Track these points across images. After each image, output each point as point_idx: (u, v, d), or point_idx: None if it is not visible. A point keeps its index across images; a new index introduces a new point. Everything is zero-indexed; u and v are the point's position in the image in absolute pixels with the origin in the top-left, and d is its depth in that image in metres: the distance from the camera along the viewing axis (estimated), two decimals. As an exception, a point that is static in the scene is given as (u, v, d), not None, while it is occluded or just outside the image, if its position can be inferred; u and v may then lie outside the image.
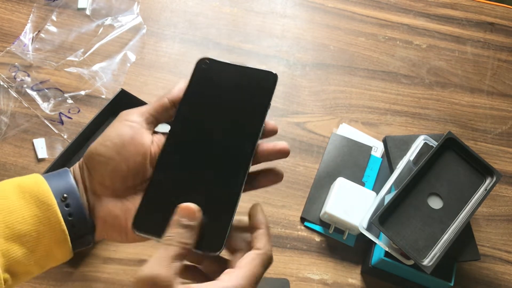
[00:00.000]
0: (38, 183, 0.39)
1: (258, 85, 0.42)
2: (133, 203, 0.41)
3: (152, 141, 0.42)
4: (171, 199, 0.39)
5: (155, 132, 0.43)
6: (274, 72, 0.42)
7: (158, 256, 0.36)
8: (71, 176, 0.41)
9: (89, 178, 0.41)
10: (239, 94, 0.42)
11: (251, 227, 0.40)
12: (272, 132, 0.43)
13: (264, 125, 0.41)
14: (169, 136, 0.41)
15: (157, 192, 0.40)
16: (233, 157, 0.41)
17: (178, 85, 0.43)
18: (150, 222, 0.39)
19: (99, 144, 0.40)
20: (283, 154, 0.42)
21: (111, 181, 0.40)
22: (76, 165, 0.42)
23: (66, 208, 0.39)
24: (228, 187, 0.40)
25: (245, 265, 0.37)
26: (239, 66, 0.44)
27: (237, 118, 0.42)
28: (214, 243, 0.38)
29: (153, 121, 0.43)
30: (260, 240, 0.38)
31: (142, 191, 0.41)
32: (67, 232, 0.39)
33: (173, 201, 0.39)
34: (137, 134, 0.41)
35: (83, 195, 0.41)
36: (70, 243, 0.40)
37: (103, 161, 0.40)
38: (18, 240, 0.38)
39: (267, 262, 0.38)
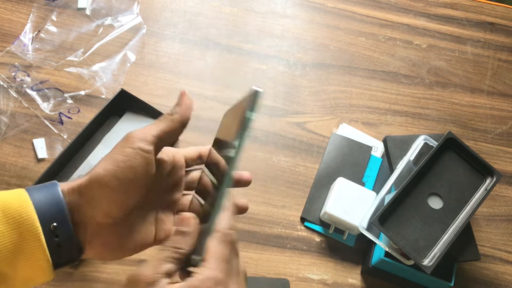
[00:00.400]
0: (23, 206, 0.36)
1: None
2: (127, 226, 0.40)
3: (157, 166, 0.40)
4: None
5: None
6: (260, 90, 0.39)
7: (150, 259, 0.36)
8: (62, 198, 0.38)
9: (93, 206, 0.38)
10: None
11: None
12: (246, 183, 0.43)
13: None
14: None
15: None
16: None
17: (185, 102, 0.41)
18: None
19: (110, 174, 0.37)
20: (244, 183, 0.43)
21: (117, 212, 0.39)
22: (74, 185, 0.39)
23: (55, 239, 0.37)
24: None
25: (208, 253, 0.37)
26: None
27: None
28: (199, 252, 0.39)
29: (161, 146, 0.40)
30: (218, 222, 0.38)
31: (140, 216, 0.41)
32: (51, 262, 0.37)
33: None
34: (149, 166, 0.39)
35: (79, 222, 0.38)
36: (52, 269, 0.38)
37: (113, 195, 0.38)
38: None
39: (227, 239, 0.37)
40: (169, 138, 0.40)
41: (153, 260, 0.36)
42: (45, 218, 0.37)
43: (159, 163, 0.41)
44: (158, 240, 0.42)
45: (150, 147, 0.38)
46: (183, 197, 0.45)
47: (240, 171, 0.43)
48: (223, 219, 0.38)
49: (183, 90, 0.41)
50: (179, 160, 0.44)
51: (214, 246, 0.37)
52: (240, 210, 0.43)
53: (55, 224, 0.37)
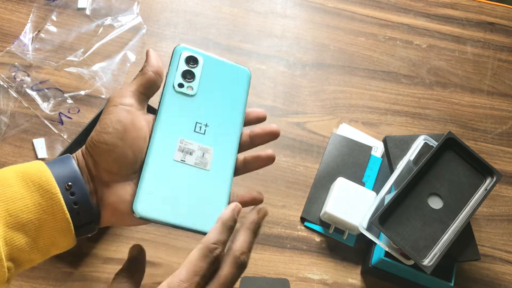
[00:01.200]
0: (41, 170, 0.39)
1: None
2: (135, 188, 0.41)
3: (148, 122, 0.43)
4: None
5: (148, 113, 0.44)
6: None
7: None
8: (74, 163, 0.41)
9: (95, 166, 0.41)
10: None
11: None
12: (260, 119, 0.47)
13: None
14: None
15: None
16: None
17: (151, 55, 0.44)
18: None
19: (101, 132, 0.40)
20: (272, 135, 0.46)
21: (118, 168, 0.41)
22: (79, 153, 0.42)
23: (71, 197, 0.39)
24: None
25: (185, 261, 0.38)
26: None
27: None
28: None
29: (144, 99, 0.43)
30: (207, 234, 0.39)
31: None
32: (70, 221, 0.39)
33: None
34: (135, 118, 0.41)
35: (88, 183, 0.41)
36: (73, 231, 0.40)
37: (108, 149, 0.40)
38: (21, 228, 0.38)
39: (205, 254, 0.37)
40: (148, 90, 0.43)
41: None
42: (61, 179, 0.39)
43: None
44: None
45: (131, 101, 0.42)
46: None
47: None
48: (212, 232, 0.39)
49: (147, 50, 0.45)
50: None
51: (192, 257, 0.37)
52: (253, 201, 0.44)
53: (69, 183, 0.39)
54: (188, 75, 0.46)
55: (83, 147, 0.42)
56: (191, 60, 0.47)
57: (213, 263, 0.37)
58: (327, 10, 0.91)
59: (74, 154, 0.42)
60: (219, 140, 0.44)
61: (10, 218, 0.37)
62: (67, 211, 0.39)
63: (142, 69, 0.44)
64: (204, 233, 0.40)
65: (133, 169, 0.41)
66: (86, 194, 0.40)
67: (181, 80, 0.45)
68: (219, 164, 0.43)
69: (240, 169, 0.46)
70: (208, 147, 0.44)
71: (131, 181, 0.42)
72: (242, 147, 0.46)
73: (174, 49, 0.47)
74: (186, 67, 0.46)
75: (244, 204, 0.44)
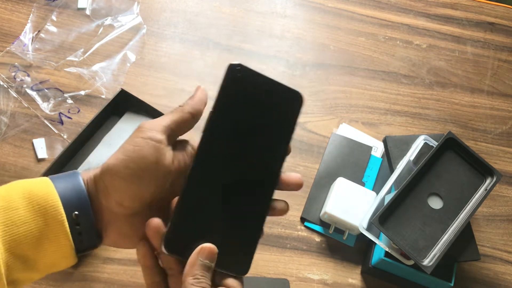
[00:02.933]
0: (48, 193, 0.38)
1: (287, 104, 0.43)
2: (144, 217, 0.40)
3: (173, 159, 0.40)
4: (201, 220, 0.39)
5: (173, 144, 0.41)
6: (300, 93, 0.43)
7: None
8: (84, 187, 0.39)
9: (106, 196, 0.39)
10: (269, 114, 0.41)
11: None
12: (297, 186, 0.42)
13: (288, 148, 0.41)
14: (198, 153, 0.39)
15: (187, 212, 0.39)
16: (261, 179, 0.40)
17: (198, 95, 0.41)
18: (181, 243, 0.38)
19: (121, 164, 0.38)
20: (297, 186, 0.42)
21: (131, 203, 0.39)
22: (91, 175, 0.40)
23: (76, 227, 0.38)
24: (255, 210, 0.40)
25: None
26: (269, 79, 0.42)
27: (266, 138, 0.41)
28: (240, 265, 0.40)
29: (173, 137, 0.41)
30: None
31: (160, 208, 0.40)
32: (74, 247, 0.38)
33: (203, 222, 0.39)
34: (161, 156, 0.39)
35: (96, 211, 0.39)
36: (75, 255, 0.39)
37: (124, 185, 0.38)
38: (24, 254, 0.37)
39: None
40: (181, 129, 0.41)
41: None
42: (68, 206, 0.38)
43: (179, 156, 0.41)
44: None
45: (161, 137, 0.39)
46: None
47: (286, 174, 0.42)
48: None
49: (199, 85, 0.42)
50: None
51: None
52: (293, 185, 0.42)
53: (76, 212, 0.38)
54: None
55: (98, 170, 0.39)
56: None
57: None
58: (327, 10, 0.91)
59: (84, 175, 0.40)
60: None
61: (13, 243, 0.36)
62: (71, 239, 0.38)
63: (182, 105, 0.41)
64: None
65: (144, 204, 0.40)
66: (92, 225, 0.39)
67: None
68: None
69: None
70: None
71: (141, 213, 0.40)
72: None
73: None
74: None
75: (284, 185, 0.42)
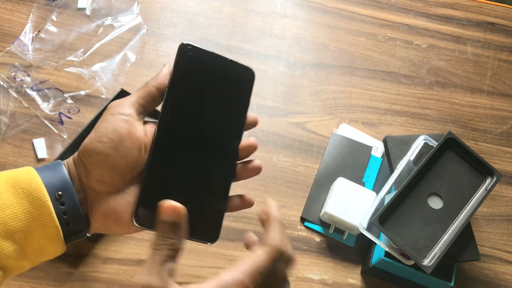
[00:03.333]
0: (31, 177, 0.39)
1: (240, 79, 0.44)
2: (133, 195, 0.41)
3: (145, 132, 0.42)
4: (167, 190, 0.40)
5: (145, 122, 0.43)
6: (252, 69, 0.44)
7: (149, 263, 0.36)
8: (65, 170, 0.40)
9: (87, 174, 0.40)
10: (223, 87, 0.44)
11: (263, 222, 0.41)
12: (253, 124, 0.45)
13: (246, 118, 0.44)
14: (159, 127, 0.42)
15: (153, 184, 0.41)
16: (223, 148, 0.42)
17: (162, 71, 0.43)
18: (150, 215, 0.39)
19: (95, 140, 0.40)
20: (252, 149, 0.44)
21: (110, 178, 0.40)
22: (71, 159, 0.42)
23: (61, 207, 0.39)
24: (220, 177, 0.42)
25: (247, 260, 0.36)
26: (220, 56, 0.44)
27: (223, 110, 0.43)
28: (210, 232, 0.40)
29: (142, 111, 0.43)
30: (269, 234, 0.38)
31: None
32: (60, 228, 0.39)
33: (170, 192, 0.40)
34: (132, 128, 0.41)
35: (79, 191, 0.40)
36: (63, 239, 0.39)
37: (101, 159, 0.39)
38: (10, 237, 0.37)
39: (276, 256, 0.37)
40: (148, 103, 0.43)
41: (153, 265, 0.35)
42: (51, 187, 0.39)
43: (151, 130, 0.42)
44: None
45: (129, 111, 0.41)
46: None
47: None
48: (273, 233, 0.38)
49: (165, 64, 0.43)
50: None
51: (258, 258, 0.37)
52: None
53: (60, 192, 0.39)
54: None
55: (76, 154, 0.41)
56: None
57: (278, 268, 0.38)
58: (327, 10, 0.91)
59: (65, 161, 0.42)
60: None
61: (0, 226, 0.37)
62: (56, 219, 0.38)
63: (148, 81, 0.43)
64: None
65: (124, 179, 0.41)
66: (76, 204, 0.39)
67: None
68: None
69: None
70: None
71: (122, 191, 0.41)
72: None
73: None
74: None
75: (235, 208, 0.44)
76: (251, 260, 0.37)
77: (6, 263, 0.38)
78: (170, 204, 0.37)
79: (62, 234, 0.39)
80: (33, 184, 0.38)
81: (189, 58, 0.42)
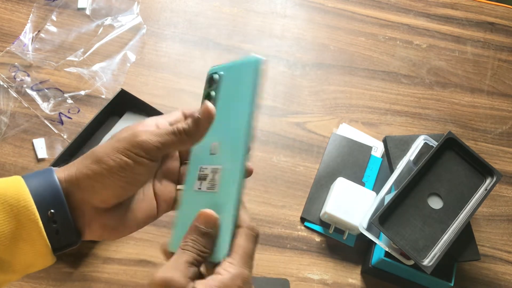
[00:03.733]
0: (19, 192, 0.37)
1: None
2: (126, 207, 0.40)
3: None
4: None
5: None
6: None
7: (174, 260, 0.36)
8: (58, 183, 0.38)
9: (91, 192, 0.38)
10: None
11: None
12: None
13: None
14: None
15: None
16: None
17: (203, 125, 0.39)
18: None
19: (111, 170, 0.37)
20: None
21: (114, 201, 0.39)
22: (72, 171, 0.39)
23: (53, 225, 0.37)
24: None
25: (235, 249, 0.37)
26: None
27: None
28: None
29: (162, 154, 0.41)
30: (243, 219, 0.38)
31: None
32: (49, 246, 0.38)
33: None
34: (151, 169, 0.39)
35: (78, 207, 0.39)
36: (52, 253, 0.38)
37: (115, 189, 0.38)
38: None
39: (252, 234, 0.38)
40: (173, 151, 0.42)
41: (179, 263, 0.35)
42: (43, 204, 0.37)
43: None
44: (161, 211, 0.43)
45: (152, 157, 0.38)
46: (182, 166, 0.45)
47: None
48: (245, 215, 0.38)
49: (208, 107, 0.39)
50: None
51: (242, 242, 0.37)
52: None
53: (52, 211, 0.37)
54: (208, 97, 0.42)
55: (83, 167, 0.38)
56: (211, 82, 0.43)
57: (256, 241, 0.38)
58: (327, 10, 0.91)
59: (61, 172, 0.39)
60: (227, 154, 0.39)
61: None
62: (46, 238, 0.37)
63: (185, 131, 0.39)
64: (215, 262, 0.38)
65: (129, 197, 0.40)
66: (69, 221, 0.38)
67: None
68: (227, 182, 0.39)
69: None
70: (217, 167, 0.39)
71: (122, 205, 0.40)
72: None
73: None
74: (207, 91, 0.43)
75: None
76: (240, 248, 0.37)
77: None
78: (211, 213, 0.37)
79: (51, 250, 0.38)
80: (22, 201, 0.36)
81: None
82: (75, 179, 0.38)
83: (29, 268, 0.39)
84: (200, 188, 0.40)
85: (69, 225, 0.38)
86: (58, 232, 0.38)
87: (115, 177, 0.37)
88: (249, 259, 0.37)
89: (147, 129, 0.38)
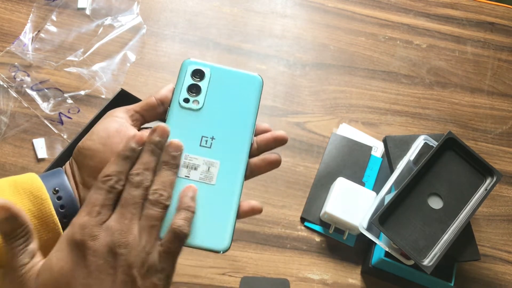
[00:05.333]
0: (32, 179, 0.40)
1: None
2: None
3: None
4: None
5: (141, 129, 0.44)
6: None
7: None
8: (63, 173, 0.42)
9: (79, 172, 0.42)
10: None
11: None
12: (265, 131, 0.45)
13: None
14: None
15: None
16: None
17: (166, 86, 0.45)
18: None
19: (86, 139, 0.42)
20: (281, 141, 0.45)
21: (100, 172, 0.41)
22: (67, 163, 0.44)
23: (57, 201, 0.40)
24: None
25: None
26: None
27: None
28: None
29: (138, 118, 0.44)
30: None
31: None
32: (59, 223, 0.40)
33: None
34: (122, 126, 0.42)
35: (74, 190, 0.42)
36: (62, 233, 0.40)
37: (90, 154, 0.41)
38: None
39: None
40: (148, 113, 0.44)
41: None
42: (49, 185, 0.41)
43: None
44: None
45: (122, 114, 0.43)
46: None
47: None
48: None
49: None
50: None
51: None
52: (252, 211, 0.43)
53: (57, 188, 0.41)
54: (193, 89, 0.45)
55: (71, 156, 0.44)
56: (197, 74, 0.46)
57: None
58: (327, 10, 0.91)
59: (64, 166, 0.44)
60: (227, 152, 0.43)
61: None
62: (55, 214, 0.40)
63: (149, 95, 0.45)
64: (215, 251, 0.40)
65: None
66: (72, 198, 0.41)
67: (186, 95, 0.44)
68: (227, 177, 0.42)
69: (247, 175, 0.46)
70: (214, 161, 0.42)
71: None
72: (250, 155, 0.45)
73: (181, 64, 0.47)
74: (191, 81, 0.46)
75: (244, 214, 0.43)
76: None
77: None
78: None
79: (61, 230, 0.40)
80: (34, 184, 0.40)
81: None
82: (67, 165, 0.43)
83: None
84: (187, 176, 0.42)
85: (72, 201, 0.41)
86: (63, 207, 0.41)
87: (86, 144, 0.41)
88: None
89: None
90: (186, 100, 0.44)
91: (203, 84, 0.45)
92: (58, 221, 0.40)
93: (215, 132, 0.43)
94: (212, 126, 0.43)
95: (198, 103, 0.44)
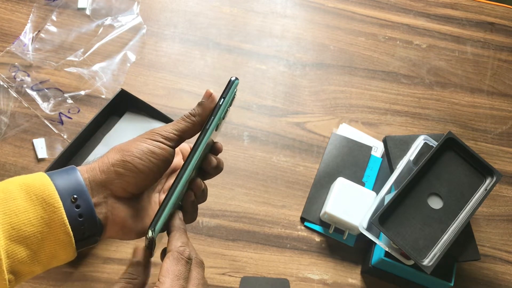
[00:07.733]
0: (44, 184, 0.39)
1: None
2: (139, 204, 0.45)
3: (175, 159, 0.47)
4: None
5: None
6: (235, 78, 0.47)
7: None
8: (79, 175, 0.41)
9: (117, 182, 0.42)
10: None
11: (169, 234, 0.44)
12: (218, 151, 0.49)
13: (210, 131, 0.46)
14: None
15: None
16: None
17: (208, 105, 0.46)
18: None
19: (135, 156, 0.42)
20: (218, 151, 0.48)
21: (136, 190, 0.43)
22: (95, 166, 0.43)
23: (76, 209, 0.40)
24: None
25: (163, 272, 0.39)
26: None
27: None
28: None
29: (180, 142, 0.46)
30: (170, 242, 0.42)
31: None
32: (71, 234, 0.40)
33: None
34: (168, 156, 0.44)
35: (96, 195, 0.42)
36: (74, 245, 0.40)
37: (136, 173, 0.42)
38: (23, 242, 0.38)
39: (178, 257, 0.40)
40: (188, 135, 0.46)
41: None
42: (65, 191, 0.40)
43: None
44: None
45: (171, 143, 0.45)
46: None
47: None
48: (174, 239, 0.42)
49: (209, 91, 0.46)
50: (183, 148, 0.50)
51: (168, 265, 0.39)
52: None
53: (75, 195, 0.40)
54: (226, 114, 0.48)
55: (103, 161, 0.43)
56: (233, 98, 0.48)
57: (188, 264, 0.40)
58: (327, 10, 0.91)
59: (81, 167, 0.43)
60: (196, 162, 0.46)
61: (13, 231, 0.38)
62: (68, 225, 0.39)
63: (192, 114, 0.46)
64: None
65: (146, 188, 0.45)
66: (91, 207, 0.41)
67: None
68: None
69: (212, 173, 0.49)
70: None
71: (141, 200, 0.45)
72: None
73: (232, 82, 0.47)
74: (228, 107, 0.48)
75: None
76: (166, 271, 0.39)
77: (18, 268, 0.38)
78: (136, 247, 0.42)
79: (73, 240, 0.40)
80: (47, 190, 0.39)
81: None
82: (97, 169, 0.42)
83: (52, 260, 0.40)
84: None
85: (91, 210, 0.41)
86: (81, 216, 0.40)
87: (135, 162, 0.42)
88: (178, 280, 0.39)
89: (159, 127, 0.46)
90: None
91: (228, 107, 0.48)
92: (71, 232, 0.39)
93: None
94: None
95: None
